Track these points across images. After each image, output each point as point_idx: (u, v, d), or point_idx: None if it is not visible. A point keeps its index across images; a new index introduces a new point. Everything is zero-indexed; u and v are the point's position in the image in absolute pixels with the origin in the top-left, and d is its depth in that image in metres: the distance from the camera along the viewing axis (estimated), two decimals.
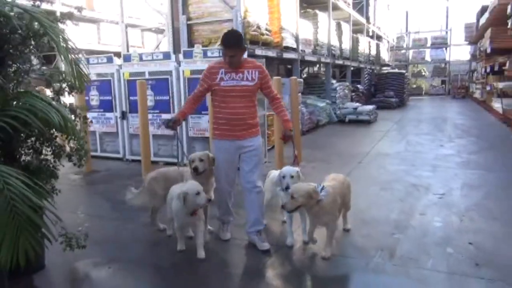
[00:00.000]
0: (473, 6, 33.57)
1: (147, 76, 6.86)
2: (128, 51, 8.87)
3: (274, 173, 3.84)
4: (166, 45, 8.55)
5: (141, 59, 7.01)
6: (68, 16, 3.01)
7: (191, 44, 7.64)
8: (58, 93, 2.81)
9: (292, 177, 3.34)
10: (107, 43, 13.00)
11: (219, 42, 7.46)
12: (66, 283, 3.19)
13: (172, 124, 3.40)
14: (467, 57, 27.74)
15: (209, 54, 6.50)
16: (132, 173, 6.43)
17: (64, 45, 2.50)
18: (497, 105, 12.68)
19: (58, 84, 2.80)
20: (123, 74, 7.11)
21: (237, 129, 3.38)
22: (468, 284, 2.86)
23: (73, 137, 2.73)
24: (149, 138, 6.34)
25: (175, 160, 7.00)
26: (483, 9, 17.93)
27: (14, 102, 2.56)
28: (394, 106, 16.91)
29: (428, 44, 29.55)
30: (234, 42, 3.30)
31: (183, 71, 6.63)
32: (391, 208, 4.45)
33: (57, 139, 3.00)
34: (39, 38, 2.92)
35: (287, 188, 3.29)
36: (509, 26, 11.24)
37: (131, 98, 7.10)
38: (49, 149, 2.96)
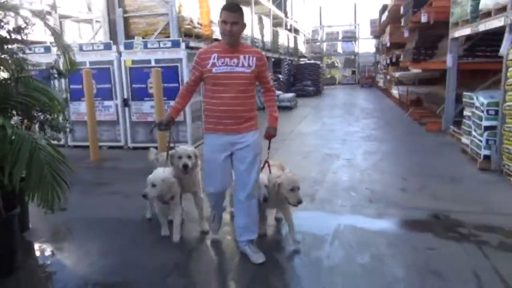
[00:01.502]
0: (377, 4, 37.06)
1: (88, 66, 7.25)
2: None
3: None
4: (102, 36, 8.87)
5: (81, 49, 7.37)
6: (47, 13, 3.59)
7: (128, 36, 8.13)
8: (49, 78, 3.41)
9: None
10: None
11: (155, 34, 8.11)
12: (50, 238, 3.78)
13: (164, 127, 3.08)
14: (373, 49, 30.86)
15: (149, 45, 7.14)
16: (79, 157, 6.84)
17: (58, 37, 3.12)
18: (395, 91, 14.83)
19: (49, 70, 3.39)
20: (63, 64, 7.40)
21: (230, 123, 2.97)
22: (363, 211, 4.09)
23: (62, 113, 3.37)
24: (95, 124, 6.81)
25: (117, 144, 7.55)
26: (384, 8, 20.36)
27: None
28: (311, 94, 18.63)
29: (340, 38, 32.20)
30: (238, 8, 2.93)
31: (124, 61, 7.17)
32: (311, 170, 5.62)
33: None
34: (22, 31, 3.47)
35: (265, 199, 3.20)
36: (402, 24, 13.31)
37: (71, 86, 7.45)
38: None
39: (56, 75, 3.46)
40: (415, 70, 13.28)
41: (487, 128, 5.33)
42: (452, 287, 2.75)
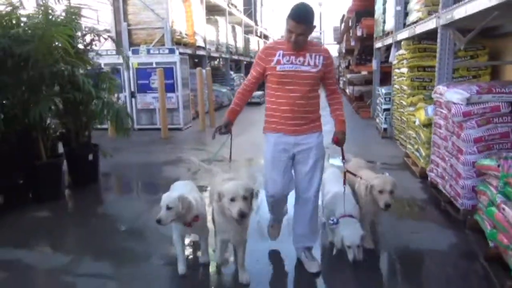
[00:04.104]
0: (339, 13, 40.24)
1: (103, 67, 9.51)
2: None
3: (329, 170, 3.65)
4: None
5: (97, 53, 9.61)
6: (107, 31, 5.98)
7: (131, 44, 10.44)
8: (113, 72, 5.77)
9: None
10: None
11: (153, 43, 10.46)
12: (108, 168, 6.13)
13: (225, 130, 2.96)
14: (337, 54, 33.92)
15: (151, 51, 9.52)
16: (100, 135, 9.13)
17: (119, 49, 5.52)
18: (347, 90, 17.68)
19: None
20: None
21: (293, 123, 2.84)
22: None
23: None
24: None
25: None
26: (343, 18, 23.31)
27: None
28: None
29: None
30: (307, 18, 2.71)
31: (132, 63, 9.49)
32: None
33: None
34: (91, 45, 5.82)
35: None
36: (351, 34, 16.12)
37: None
38: None
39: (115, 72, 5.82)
40: (363, 72, 16.13)
41: (385, 110, 8.04)
42: None
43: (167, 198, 2.74)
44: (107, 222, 4.26)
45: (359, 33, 11.56)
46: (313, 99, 2.88)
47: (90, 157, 5.19)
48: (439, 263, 3.13)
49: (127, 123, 5.07)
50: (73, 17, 5.07)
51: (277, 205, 3.08)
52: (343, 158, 3.08)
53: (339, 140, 2.96)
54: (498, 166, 2.94)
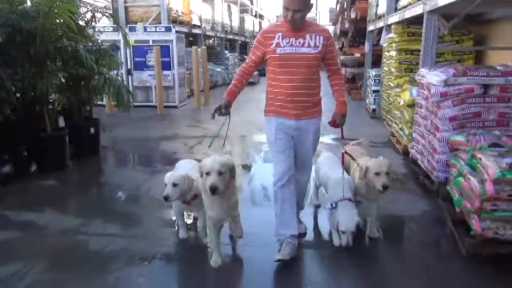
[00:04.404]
0: None
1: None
2: None
3: (324, 154, 3.75)
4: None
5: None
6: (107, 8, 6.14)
7: (127, 21, 10.55)
8: (112, 49, 5.97)
9: None
10: None
11: (149, 21, 10.58)
12: (107, 142, 6.41)
13: (224, 111, 2.87)
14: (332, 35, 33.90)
15: (148, 29, 9.65)
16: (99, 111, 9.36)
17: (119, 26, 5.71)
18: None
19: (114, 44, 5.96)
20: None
21: (294, 107, 2.82)
22: None
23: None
24: None
25: None
26: None
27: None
28: None
29: None
30: None
31: (129, 41, 9.62)
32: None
33: None
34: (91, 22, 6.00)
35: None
36: (345, 16, 16.26)
37: None
38: None
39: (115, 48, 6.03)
40: (357, 55, 16.33)
41: (374, 91, 8.35)
42: None
43: (172, 176, 2.86)
44: (109, 191, 4.57)
45: (353, 15, 11.75)
46: (314, 82, 2.86)
47: (92, 130, 5.46)
48: (413, 227, 3.52)
49: (127, 98, 5.32)
50: None
51: (284, 193, 2.92)
52: (342, 138, 3.08)
53: (336, 123, 2.94)
54: (467, 141, 3.27)
